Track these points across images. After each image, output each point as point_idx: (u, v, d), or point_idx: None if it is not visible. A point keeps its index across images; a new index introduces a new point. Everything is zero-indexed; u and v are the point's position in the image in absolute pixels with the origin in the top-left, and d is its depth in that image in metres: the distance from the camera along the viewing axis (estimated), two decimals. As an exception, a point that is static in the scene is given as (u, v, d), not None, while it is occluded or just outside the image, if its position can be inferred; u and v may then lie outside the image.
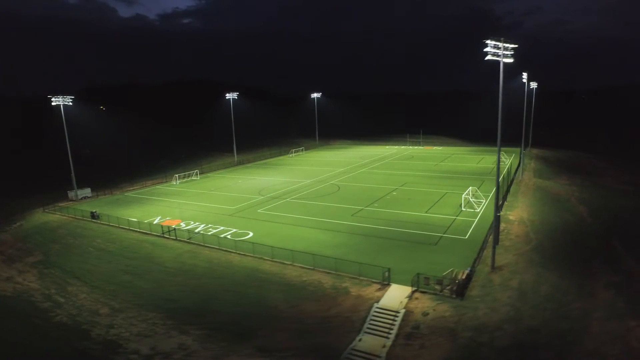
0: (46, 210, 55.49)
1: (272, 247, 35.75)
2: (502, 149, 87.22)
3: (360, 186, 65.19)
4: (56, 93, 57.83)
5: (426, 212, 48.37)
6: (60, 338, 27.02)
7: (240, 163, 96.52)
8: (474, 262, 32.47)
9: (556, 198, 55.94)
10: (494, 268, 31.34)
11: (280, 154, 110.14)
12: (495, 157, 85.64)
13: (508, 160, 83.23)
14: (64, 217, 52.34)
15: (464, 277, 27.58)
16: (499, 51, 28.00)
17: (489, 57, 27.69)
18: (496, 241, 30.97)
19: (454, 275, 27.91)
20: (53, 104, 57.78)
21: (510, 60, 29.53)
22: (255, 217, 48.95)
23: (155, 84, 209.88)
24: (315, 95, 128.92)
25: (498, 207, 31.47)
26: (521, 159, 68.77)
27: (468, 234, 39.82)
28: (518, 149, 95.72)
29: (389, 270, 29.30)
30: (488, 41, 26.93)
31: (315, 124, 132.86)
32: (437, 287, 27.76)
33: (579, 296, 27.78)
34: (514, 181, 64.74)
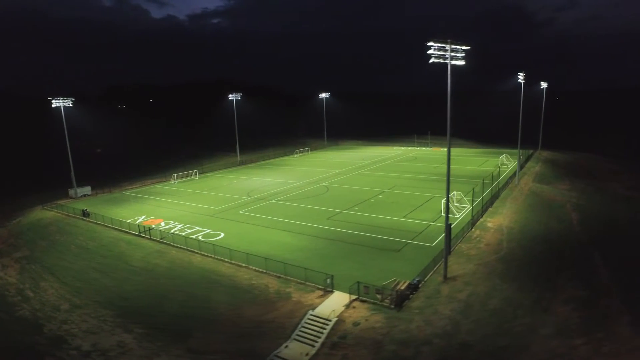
0: (44, 208, 58.58)
1: (230, 249, 36.35)
2: (511, 151, 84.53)
3: (349, 188, 64.92)
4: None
5: (404, 217, 47.67)
6: (16, 332, 28.68)
7: (242, 163, 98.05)
8: (429, 272, 31.85)
9: (549, 204, 53.82)
10: (446, 278, 30.64)
11: (285, 154, 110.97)
12: (500, 160, 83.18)
13: (512, 163, 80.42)
14: (59, 215, 55.10)
15: (403, 287, 27.12)
16: (445, 53, 27.24)
17: (433, 60, 26.94)
18: (448, 251, 30.24)
19: (393, 285, 27.51)
20: (53, 105, 60.77)
21: (462, 62, 28.69)
22: (234, 218, 49.80)
23: (176, 83, 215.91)
24: (323, 95, 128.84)
25: (448, 216, 30.69)
26: (519, 163, 66.26)
27: (436, 241, 38.98)
28: (529, 151, 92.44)
29: (331, 277, 29.24)
30: (432, 43, 26.15)
31: (323, 123, 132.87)
32: (378, 296, 27.48)
33: (531, 311, 26.85)
34: (509, 185, 62.60)
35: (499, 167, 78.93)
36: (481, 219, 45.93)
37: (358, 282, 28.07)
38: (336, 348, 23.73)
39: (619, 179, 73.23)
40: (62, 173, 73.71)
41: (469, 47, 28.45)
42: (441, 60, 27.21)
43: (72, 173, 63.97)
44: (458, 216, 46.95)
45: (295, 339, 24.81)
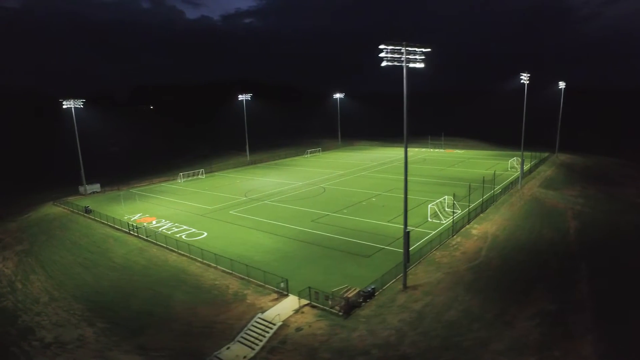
0: (54, 204, 62.18)
1: (202, 249, 37.29)
2: (526, 153, 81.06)
3: (347, 190, 64.67)
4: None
5: (389, 221, 47.04)
6: (-6, 321, 30.81)
7: (252, 163, 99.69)
8: (391, 279, 31.37)
9: (549, 211, 51.50)
10: (405, 287, 30.11)
11: (297, 154, 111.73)
12: (510, 163, 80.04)
13: (526, 165, 77.17)
14: (64, 211, 58.38)
15: (351, 294, 26.93)
16: (400, 56, 26.71)
17: (385, 64, 26.49)
18: (406, 259, 29.67)
19: (342, 292, 27.35)
20: (64, 107, 64.32)
21: (421, 65, 28.06)
22: (222, 218, 50.92)
23: (201, 83, 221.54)
24: (337, 95, 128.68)
25: (406, 223, 30.08)
26: (522, 166, 63.54)
27: (411, 248, 38.13)
28: (543, 154, 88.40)
29: (286, 281, 29.45)
30: (383, 46, 25.70)
31: (337, 124, 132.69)
32: (329, 302, 27.43)
33: (490, 325, 26.03)
34: (511, 190, 60.24)
35: (508, 170, 76.08)
36: (467, 226, 44.58)
37: (309, 287, 28.13)
38: (274, 352, 23.97)
39: (637, 185, 68.77)
40: (78, 170, 77.79)
41: (429, 50, 27.79)
42: (396, 64, 26.71)
43: (82, 171, 67.46)
44: (444, 222, 45.77)
45: (239, 341, 25.25)
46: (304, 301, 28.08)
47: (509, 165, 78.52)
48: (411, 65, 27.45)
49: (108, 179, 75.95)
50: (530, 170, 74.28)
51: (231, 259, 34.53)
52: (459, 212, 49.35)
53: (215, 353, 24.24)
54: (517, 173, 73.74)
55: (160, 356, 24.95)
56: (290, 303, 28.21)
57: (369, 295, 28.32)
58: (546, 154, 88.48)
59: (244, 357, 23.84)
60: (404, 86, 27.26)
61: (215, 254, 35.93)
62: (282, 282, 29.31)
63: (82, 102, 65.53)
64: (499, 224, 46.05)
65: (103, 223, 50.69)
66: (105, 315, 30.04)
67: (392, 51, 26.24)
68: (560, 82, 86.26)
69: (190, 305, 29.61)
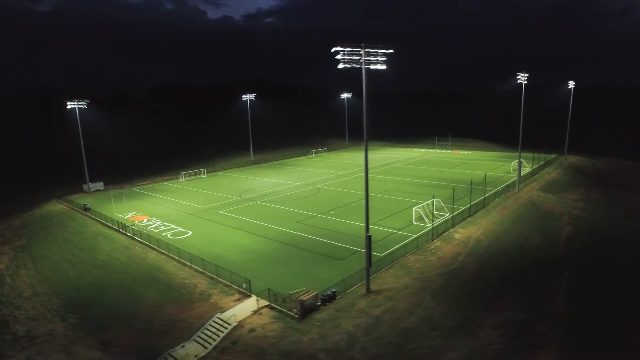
0: (58, 201, 64.64)
1: (178, 248, 38.10)
2: (536, 155, 78.68)
3: (340, 191, 64.60)
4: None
5: (373, 223, 46.65)
6: (-23, 313, 32.40)
7: (256, 163, 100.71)
8: (357, 283, 31.24)
9: (544, 216, 50.08)
10: (369, 292, 29.94)
11: (302, 155, 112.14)
12: (513, 165, 77.89)
13: (527, 168, 75.12)
14: (65, 208, 60.64)
15: (306, 297, 27.00)
16: (359, 58, 26.55)
17: (342, 65, 26.37)
18: (368, 263, 29.48)
19: (299, 295, 27.46)
20: (68, 107, 66.76)
21: (383, 67, 27.81)
22: (211, 218, 51.79)
23: (217, 83, 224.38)
24: (345, 95, 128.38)
25: (368, 227, 29.89)
26: (519, 168, 61.79)
27: (387, 251, 37.92)
28: (553, 156, 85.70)
29: (249, 281, 29.80)
30: (339, 48, 25.59)
31: (345, 124, 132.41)
32: (288, 305, 27.60)
33: (450, 333, 25.65)
34: (507, 193, 58.75)
35: (511, 172, 74.18)
36: (452, 229, 43.82)
37: (269, 289, 28.38)
38: (224, 353, 24.34)
39: (647, 189, 65.88)
40: (89, 169, 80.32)
41: (391, 51, 27.52)
42: (354, 65, 26.58)
43: (85, 170, 69.83)
44: (429, 225, 45.11)
45: (194, 340, 25.75)
46: (264, 302, 28.36)
47: (511, 167, 76.49)
48: (372, 66, 27.24)
49: (115, 178, 78.37)
50: (534, 173, 72.20)
51: (203, 259, 35.12)
52: (446, 215, 48.59)
53: (170, 351, 24.79)
54: (520, 175, 71.91)
55: (118, 352, 25.71)
56: (251, 304, 28.55)
57: (329, 299, 28.32)
58: (553, 156, 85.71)
59: (195, 356, 24.31)
60: (363, 88, 27.10)
61: (190, 254, 36.66)
62: (244, 282, 29.65)
63: (86, 102, 67.75)
64: (486, 228, 45.06)
65: (97, 221, 52.42)
66: (78, 311, 31.12)
67: (351, 53, 26.08)
68: (570, 82, 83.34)
69: (158, 303, 30.35)
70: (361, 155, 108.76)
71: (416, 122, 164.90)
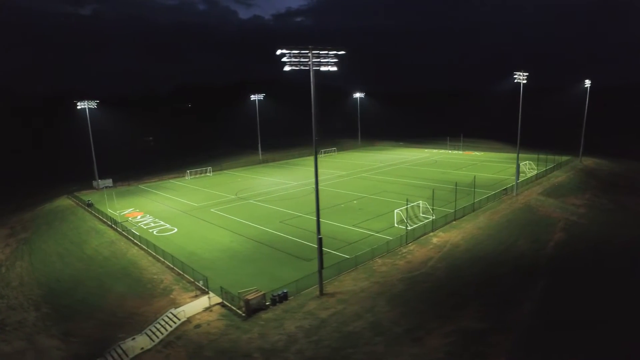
0: (67, 197, 68.39)
1: (155, 245, 39.55)
2: (549, 157, 75.64)
3: (335, 191, 64.65)
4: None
5: (354, 225, 46.61)
6: (-34, 300, 35.05)
7: (264, 162, 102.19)
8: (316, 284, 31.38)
9: (537, 221, 48.21)
10: (322, 294, 30.03)
11: (311, 154, 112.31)
12: (521, 167, 74.87)
13: (534, 170, 72.27)
14: (72, 203, 64.09)
15: (252, 297, 27.46)
16: (306, 60, 26.68)
17: (288, 68, 26.58)
18: (320, 265, 29.55)
19: (245, 295, 27.95)
20: (78, 107, 70.45)
21: (334, 68, 27.81)
22: (201, 216, 53.25)
23: (239, 81, 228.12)
24: (358, 95, 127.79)
25: (319, 229, 29.94)
26: (517, 170, 59.48)
27: (358, 253, 37.71)
28: (566, 157, 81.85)
29: (206, 279, 30.61)
30: (285, 50, 25.84)
31: (357, 123, 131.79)
32: (239, 303, 28.20)
33: (394, 339, 25.47)
34: (503, 196, 56.78)
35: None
36: (432, 233, 42.98)
37: (221, 287, 29.08)
38: (167, 347, 25.24)
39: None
40: (106, 166, 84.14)
41: (342, 52, 27.48)
42: (301, 67, 26.74)
43: (95, 167, 73.48)
44: (410, 227, 44.40)
45: (146, 333, 26.82)
46: (218, 300, 29.09)
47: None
48: (323, 68, 27.30)
49: (128, 175, 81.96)
50: (540, 176, 69.31)
51: (173, 256, 36.34)
52: (431, 218, 47.66)
53: (120, 343, 25.97)
54: (524, 177, 69.22)
55: (76, 342, 27.20)
56: (205, 301, 29.33)
57: (280, 299, 28.67)
58: (566, 158, 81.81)
59: (142, 348, 25.36)
60: (311, 90, 27.22)
61: (163, 250, 38.01)
62: (201, 280, 30.52)
63: (95, 103, 71.18)
64: (468, 232, 43.87)
65: (94, 216, 55.15)
66: (52, 302, 33.04)
67: (298, 55, 26.27)
68: (586, 81, 79.17)
69: (123, 297, 31.76)
70: (370, 155, 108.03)
71: (435, 122, 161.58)
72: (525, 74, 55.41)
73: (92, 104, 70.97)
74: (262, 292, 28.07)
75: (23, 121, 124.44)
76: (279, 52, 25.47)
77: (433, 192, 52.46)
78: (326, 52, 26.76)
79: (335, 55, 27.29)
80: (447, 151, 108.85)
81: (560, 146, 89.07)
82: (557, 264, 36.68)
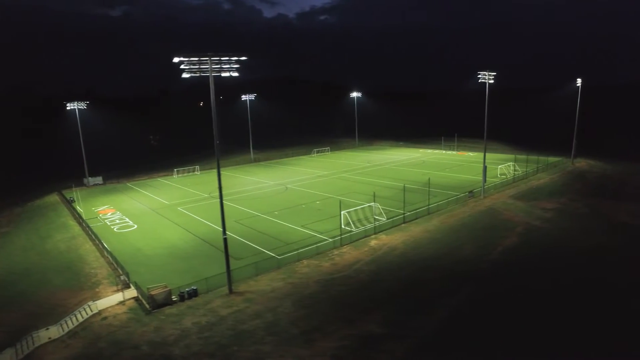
0: (57, 193, 72.45)
1: (101, 241, 41.79)
2: (549, 158, 74.12)
3: (304, 192, 65.50)
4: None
5: (302, 226, 47.41)
6: None
7: (256, 161, 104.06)
8: (234, 282, 32.53)
9: (494, 225, 47.75)
10: (231, 292, 31.16)
11: (305, 154, 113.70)
12: (500, 169, 73.14)
13: (517, 172, 70.57)
14: (59, 200, 67.92)
15: (155, 292, 28.91)
16: (205, 67, 27.74)
17: (187, 75, 27.70)
18: (227, 264, 30.69)
19: (150, 290, 29.42)
20: (68, 108, 74.40)
21: (235, 74, 28.75)
22: (165, 214, 55.45)
23: (258, 79, 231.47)
24: (355, 94, 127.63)
25: (225, 229, 31.00)
26: (484, 173, 58.29)
27: (287, 254, 38.57)
28: (559, 158, 79.28)
29: (127, 274, 32.37)
30: (182, 58, 26.94)
31: (355, 123, 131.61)
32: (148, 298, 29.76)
33: (286, 340, 26.34)
34: (468, 199, 55.96)
35: (498, 176, 70.08)
36: (373, 235, 43.20)
37: (135, 282, 30.72)
38: (72, 337, 27.05)
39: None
40: (104, 164, 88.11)
41: (244, 58, 28.40)
42: (200, 74, 27.83)
43: (85, 165, 77.35)
44: (355, 230, 44.79)
45: (60, 324, 28.81)
46: (133, 294, 30.77)
47: (498, 171, 72.08)
48: (224, 74, 28.32)
49: (123, 172, 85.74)
50: (520, 178, 67.64)
51: (112, 251, 38.39)
52: (383, 220, 47.81)
53: (33, 332, 28.04)
54: (503, 179, 67.79)
55: (-1, 330, 29.50)
56: (120, 296, 31.07)
57: (189, 296, 30.01)
58: (556, 159, 79.24)
59: (49, 338, 27.31)
60: (211, 96, 28.28)
61: (105, 246, 40.18)
62: (122, 275, 32.30)
63: (85, 103, 74.92)
64: (413, 235, 43.82)
65: (70, 212, 58.41)
66: None
67: (200, 62, 27.38)
68: (577, 80, 76.38)
69: (56, 290, 33.99)
70: (362, 155, 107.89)
71: (439, 122, 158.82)
72: (492, 73, 54.31)
73: (82, 105, 74.67)
74: (168, 288, 29.51)
75: (35, 119, 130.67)
76: (176, 59, 26.62)
77: (378, 194, 52.35)
78: (227, 57, 27.71)
79: (237, 61, 28.18)
80: (441, 151, 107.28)
81: (560, 147, 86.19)
82: (497, 269, 36.30)
